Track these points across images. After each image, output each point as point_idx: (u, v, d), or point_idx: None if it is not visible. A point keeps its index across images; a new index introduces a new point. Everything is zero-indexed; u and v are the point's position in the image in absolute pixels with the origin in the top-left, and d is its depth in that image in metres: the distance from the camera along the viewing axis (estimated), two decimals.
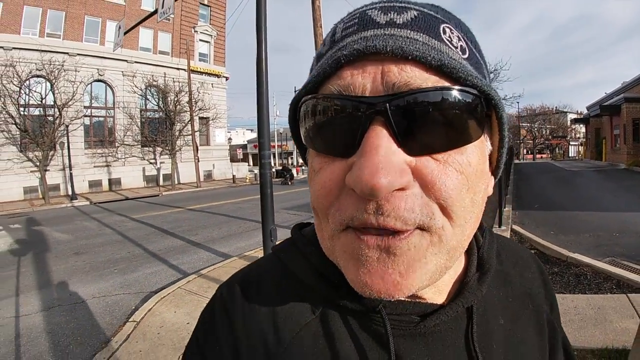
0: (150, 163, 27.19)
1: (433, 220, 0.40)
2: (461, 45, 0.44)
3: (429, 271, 0.41)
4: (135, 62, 28.02)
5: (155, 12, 9.22)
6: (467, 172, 0.41)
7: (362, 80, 0.40)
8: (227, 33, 38.09)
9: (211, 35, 33.55)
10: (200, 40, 32.75)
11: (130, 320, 4.85)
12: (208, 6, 33.91)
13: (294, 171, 32.20)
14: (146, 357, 3.91)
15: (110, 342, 4.35)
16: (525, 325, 0.58)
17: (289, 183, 27.72)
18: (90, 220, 13.77)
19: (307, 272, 0.54)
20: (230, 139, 36.95)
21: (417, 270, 0.41)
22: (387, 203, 0.38)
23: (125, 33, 12.88)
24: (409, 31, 0.42)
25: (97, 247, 9.28)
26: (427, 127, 0.39)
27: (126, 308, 5.39)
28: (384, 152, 0.38)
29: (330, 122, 0.42)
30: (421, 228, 0.40)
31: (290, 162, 41.55)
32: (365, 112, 0.39)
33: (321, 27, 8.95)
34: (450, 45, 0.43)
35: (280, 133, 39.56)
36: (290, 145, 45.64)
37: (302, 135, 0.47)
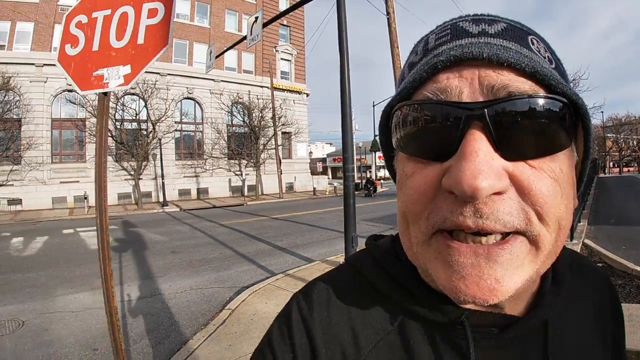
0: (236, 175, 28.96)
1: (530, 226, 0.40)
2: (548, 56, 0.46)
3: (524, 278, 0.42)
4: (222, 80, 30.25)
5: (244, 38, 10.06)
6: (560, 180, 0.42)
7: (459, 84, 0.42)
8: (307, 51, 39.40)
9: (291, 54, 35.13)
10: (282, 59, 34.43)
11: (226, 308, 5.36)
12: (287, 26, 35.63)
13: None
14: (240, 337, 4.36)
15: (208, 325, 4.87)
16: (594, 340, 0.58)
17: (372, 195, 28.18)
18: (183, 225, 15.05)
19: (385, 282, 0.55)
20: (310, 152, 38.16)
21: (514, 276, 0.41)
22: (485, 206, 0.39)
23: (216, 57, 14.09)
24: (501, 40, 0.44)
25: (191, 247, 10.19)
26: (523, 133, 0.40)
27: (221, 299, 5.95)
28: (484, 156, 0.38)
29: (427, 126, 0.43)
30: (519, 233, 0.41)
31: (368, 175, 41.83)
32: (464, 117, 0.40)
33: (398, 47, 9.20)
34: (539, 55, 0.45)
35: (359, 147, 39.88)
36: (369, 159, 45.94)
37: (394, 141, 0.49)
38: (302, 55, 36.26)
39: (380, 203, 22.22)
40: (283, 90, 33.08)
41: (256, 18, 9.76)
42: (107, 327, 4.56)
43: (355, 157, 38.12)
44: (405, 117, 0.45)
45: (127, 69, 1.93)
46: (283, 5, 35.01)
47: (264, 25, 9.43)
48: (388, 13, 9.12)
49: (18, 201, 22.93)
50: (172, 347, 4.46)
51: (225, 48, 14.13)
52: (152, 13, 1.96)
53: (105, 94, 2.17)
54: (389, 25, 9.26)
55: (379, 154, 47.44)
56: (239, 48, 31.67)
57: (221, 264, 8.26)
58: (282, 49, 34.48)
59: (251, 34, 9.69)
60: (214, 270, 7.75)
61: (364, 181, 32.77)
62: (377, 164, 47.79)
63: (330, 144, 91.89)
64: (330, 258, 8.09)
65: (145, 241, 11.36)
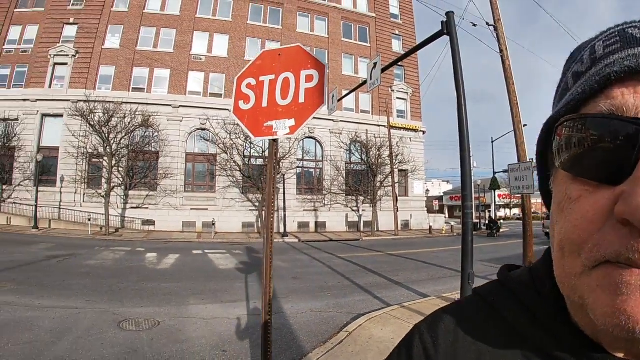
0: (353, 210, 29.88)
1: None
2: None
3: None
4: (341, 120, 31.89)
5: (364, 83, 10.87)
6: None
7: (636, 102, 0.38)
8: (422, 89, 39.69)
9: (407, 93, 35.70)
10: (397, 97, 35.20)
11: (343, 330, 5.81)
12: (402, 66, 36.36)
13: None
14: (356, 356, 4.73)
15: (326, 343, 5.34)
16: None
17: (495, 235, 28.04)
18: (302, 255, 16.02)
19: (522, 318, 0.50)
20: (427, 190, 37.63)
21: None
22: None
23: (338, 100, 15.19)
24: None
25: (311, 275, 10.92)
26: None
27: (339, 322, 6.40)
28: None
29: (599, 144, 0.39)
30: None
31: (488, 214, 39.81)
32: None
33: (513, 84, 9.14)
34: None
35: (478, 185, 38.22)
36: (488, 198, 43.61)
37: (556, 159, 0.44)
38: (418, 93, 36.61)
39: (501, 244, 21.19)
40: (399, 128, 33.60)
41: (375, 64, 10.51)
42: (234, 334, 5.33)
43: (473, 195, 37.06)
44: (573, 133, 0.42)
45: (292, 122, 2.60)
46: (396, 47, 36.20)
47: (383, 70, 10.11)
48: (501, 50, 9.15)
49: (152, 222, 26.55)
50: (293, 357, 5.01)
51: (345, 93, 15.09)
52: (309, 78, 2.61)
53: (275, 140, 2.87)
54: (503, 62, 9.26)
55: (500, 192, 44.73)
56: (357, 90, 33.39)
57: (339, 292, 8.77)
58: (397, 88, 35.30)
59: (371, 79, 10.43)
60: (332, 297, 8.28)
61: (483, 221, 31.91)
62: (497, 203, 45.07)
63: (448, 181, 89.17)
64: (446, 294, 8.12)
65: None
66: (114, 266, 11.78)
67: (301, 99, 2.61)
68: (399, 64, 35.75)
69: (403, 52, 36.06)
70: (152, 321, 6.24)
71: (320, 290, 9.00)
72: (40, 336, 5.28)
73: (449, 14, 7.54)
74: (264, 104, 2.73)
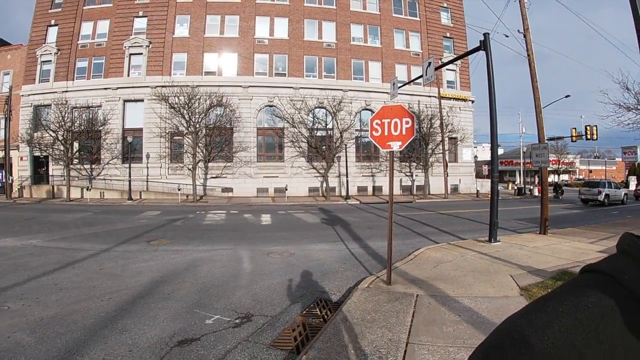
0: (407, 175, 33.01)
1: None
2: None
3: None
4: None
5: (421, 76, 13.76)
6: None
7: None
8: (470, 59, 41.08)
9: (456, 64, 37.44)
10: (447, 69, 37.06)
11: (411, 254, 9.22)
12: (451, 38, 38.09)
13: (535, 190, 34.71)
14: (421, 265, 8.11)
15: (404, 259, 8.66)
16: None
17: (560, 197, 33.46)
18: (368, 213, 19.49)
19: None
20: (476, 156, 39.84)
21: None
22: None
23: (398, 88, 17.91)
24: None
25: (380, 226, 14.29)
26: None
27: (407, 251, 9.71)
28: None
29: None
30: None
31: (532, 180, 42.17)
32: None
33: (537, 81, 11.76)
34: None
35: (524, 152, 40.05)
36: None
37: None
38: (466, 64, 38.22)
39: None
40: (449, 98, 35.74)
41: (429, 63, 13.40)
42: (346, 256, 8.96)
43: (520, 161, 39.38)
44: None
45: (399, 143, 5.88)
46: (445, 19, 38.05)
47: (436, 69, 13.01)
48: (528, 55, 11.77)
49: (230, 189, 31.36)
50: (384, 265, 8.44)
51: (402, 83, 17.90)
52: (407, 122, 5.85)
53: (392, 152, 6.20)
54: (529, 64, 11.84)
55: (551, 157, 45.80)
56: (408, 63, 35.67)
57: (404, 236, 12.14)
58: (446, 60, 37.05)
59: (426, 75, 13.35)
60: (399, 239, 11.61)
61: (528, 186, 35.38)
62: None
63: (499, 145, 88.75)
64: (480, 239, 11.21)
65: (346, 221, 16.04)
66: (228, 224, 15.72)
67: (403, 132, 5.86)
68: (448, 36, 37.79)
69: (452, 24, 37.78)
70: (288, 253, 9.84)
71: None
72: (225, 263, 8.79)
73: (486, 35, 10.37)
74: (386, 133, 6.03)
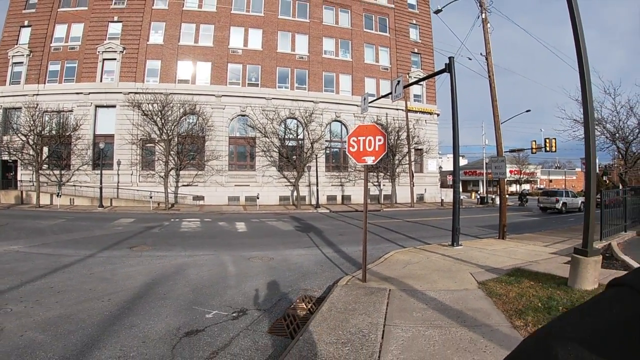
0: (374, 185, 34.20)
1: None
2: None
3: None
4: None
5: (390, 94, 14.77)
6: None
7: None
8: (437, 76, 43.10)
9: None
10: None
11: (381, 257, 10.07)
12: (418, 54, 39.89)
13: (497, 199, 38.01)
14: (391, 266, 8.99)
15: (375, 261, 9.51)
16: None
17: (524, 205, 36.71)
18: (338, 221, 20.38)
19: None
20: (440, 167, 41.72)
21: None
22: None
23: (369, 103, 19.05)
24: None
25: (351, 233, 15.20)
26: None
27: (378, 255, 10.57)
28: None
29: None
30: None
31: (494, 189, 44.82)
32: None
33: (496, 101, 13.04)
34: None
35: (487, 163, 42.35)
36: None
37: None
38: (433, 79, 40.08)
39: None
40: (416, 112, 37.41)
41: (398, 81, 14.45)
42: (322, 260, 9.81)
43: (484, 171, 41.12)
44: None
45: (372, 158, 6.72)
46: (413, 35, 39.72)
47: (405, 87, 14.06)
48: (489, 77, 13.03)
49: (201, 197, 31.69)
50: (358, 267, 9.27)
51: (373, 98, 19.10)
52: (379, 139, 6.69)
53: (366, 165, 7.05)
54: (490, 84, 13.11)
55: (510, 168, 48.33)
56: (377, 77, 37.09)
57: (374, 242, 13.00)
58: (414, 74, 38.76)
59: (395, 92, 14.37)
60: (370, 244, 12.11)
61: (490, 196, 37.83)
62: (507, 179, 48.94)
63: (463, 156, 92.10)
64: (443, 243, 12.25)
65: (319, 228, 16.82)
66: (205, 231, 16.16)
67: (376, 148, 6.72)
68: (416, 51, 39.58)
69: (420, 41, 39.49)
70: (267, 257, 10.48)
71: (361, 242, 13.23)
72: (211, 267, 9.33)
73: (451, 59, 11.46)
74: (361, 149, 6.87)
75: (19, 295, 6.63)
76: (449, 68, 11.39)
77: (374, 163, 6.89)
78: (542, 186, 73.46)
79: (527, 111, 33.17)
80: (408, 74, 38.39)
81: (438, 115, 40.25)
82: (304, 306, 6.08)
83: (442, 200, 35.63)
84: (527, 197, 41.47)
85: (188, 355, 4.39)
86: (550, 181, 76.93)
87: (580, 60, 6.30)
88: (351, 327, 4.65)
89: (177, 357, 4.34)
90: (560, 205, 28.85)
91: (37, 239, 12.99)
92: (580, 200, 32.71)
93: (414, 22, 40.38)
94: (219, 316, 5.69)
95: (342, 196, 34.63)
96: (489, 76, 12.93)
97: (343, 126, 36.10)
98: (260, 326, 5.28)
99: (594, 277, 5.96)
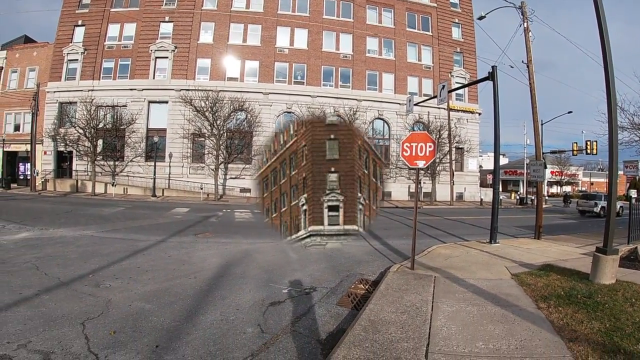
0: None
1: None
2: None
3: None
4: (406, 104, 36.75)
5: (435, 97, 15.64)
6: None
7: None
8: (478, 73, 42.87)
9: (465, 78, 39.37)
10: (456, 82, 39.05)
11: (425, 250, 11.09)
12: (461, 53, 40.04)
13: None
14: (434, 258, 10.02)
15: (419, 254, 10.66)
16: None
17: (569, 205, 38.04)
18: (381, 217, 21.16)
19: None
20: (480, 166, 41.87)
21: None
22: None
23: (414, 104, 19.91)
24: None
25: (395, 228, 16.21)
26: None
27: (421, 248, 11.55)
28: None
29: None
30: None
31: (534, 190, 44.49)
32: None
33: (537, 107, 13.69)
34: None
35: (527, 163, 42.24)
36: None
37: None
38: (475, 77, 40.19)
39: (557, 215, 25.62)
40: (457, 110, 37.71)
41: (443, 86, 15.30)
42: (367, 250, 10.88)
43: (524, 171, 41.03)
44: None
45: (423, 162, 7.79)
46: (456, 34, 39.86)
47: (450, 91, 14.90)
48: (530, 84, 13.68)
49: (248, 190, 33.32)
50: (404, 258, 10.34)
51: (417, 99, 19.81)
52: (430, 146, 7.73)
53: (418, 168, 8.13)
54: (531, 91, 13.75)
55: (551, 168, 47.67)
56: (420, 75, 37.65)
57: (417, 237, 13.95)
58: (456, 73, 39.08)
59: (440, 96, 15.25)
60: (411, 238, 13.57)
61: (530, 197, 38.10)
62: (549, 180, 48.17)
63: (504, 154, 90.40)
64: (482, 240, 13.10)
65: None
66: (258, 222, 17.49)
67: (427, 153, 7.79)
68: (458, 50, 39.77)
69: (462, 39, 39.66)
70: (322, 247, 11.79)
71: (404, 236, 14.25)
72: (274, 253, 10.65)
73: (494, 67, 12.24)
74: (414, 153, 7.97)
75: (111, 274, 7.50)
76: (492, 77, 12.15)
77: (426, 165, 7.95)
78: (583, 188, 71.43)
79: (569, 112, 32.82)
80: (450, 72, 38.70)
81: (480, 114, 40.33)
82: (362, 287, 7.26)
83: (481, 199, 35.89)
84: (570, 199, 41.66)
85: (277, 319, 5.59)
86: (592, 184, 74.57)
87: (606, 65, 7.10)
88: (406, 302, 5.81)
89: (269, 320, 5.53)
90: (599, 209, 28.65)
91: (105, 225, 14.47)
92: (619, 205, 32.24)
93: (457, 20, 40.51)
94: (293, 291, 6.94)
95: (383, 192, 35.58)
96: (530, 83, 13.59)
97: (385, 124, 36.97)
98: (330, 300, 6.50)
99: (611, 273, 6.85)
